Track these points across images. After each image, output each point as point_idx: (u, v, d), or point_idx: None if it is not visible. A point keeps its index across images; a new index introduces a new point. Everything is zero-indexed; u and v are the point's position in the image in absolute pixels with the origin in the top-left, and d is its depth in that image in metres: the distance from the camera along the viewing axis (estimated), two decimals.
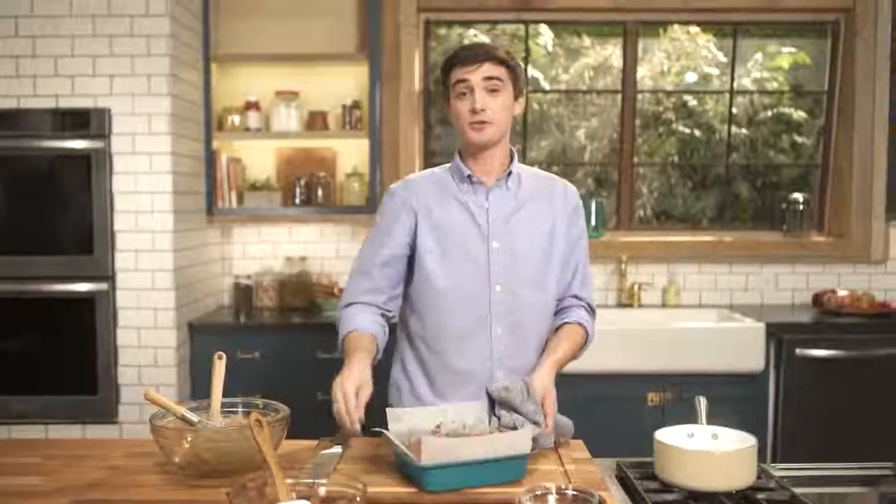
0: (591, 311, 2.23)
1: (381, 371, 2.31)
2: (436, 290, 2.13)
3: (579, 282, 2.21)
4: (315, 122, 4.10)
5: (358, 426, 1.77)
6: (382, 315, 2.16)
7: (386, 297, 2.17)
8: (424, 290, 2.15)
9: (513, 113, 2.15)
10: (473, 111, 2.07)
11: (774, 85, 4.68)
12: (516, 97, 2.15)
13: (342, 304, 2.18)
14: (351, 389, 1.79)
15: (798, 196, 4.40)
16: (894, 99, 4.22)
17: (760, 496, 1.61)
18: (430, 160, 4.37)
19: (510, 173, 2.17)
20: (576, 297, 2.21)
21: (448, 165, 2.25)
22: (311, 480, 1.46)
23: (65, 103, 3.49)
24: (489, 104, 2.07)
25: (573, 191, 2.26)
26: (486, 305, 2.11)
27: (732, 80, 4.52)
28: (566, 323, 2.16)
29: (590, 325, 2.19)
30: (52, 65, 3.48)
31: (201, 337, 3.68)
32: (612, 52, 4.57)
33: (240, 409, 1.86)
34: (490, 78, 2.06)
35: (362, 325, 2.08)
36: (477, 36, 4.59)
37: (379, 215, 2.23)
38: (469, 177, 2.16)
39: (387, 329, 2.16)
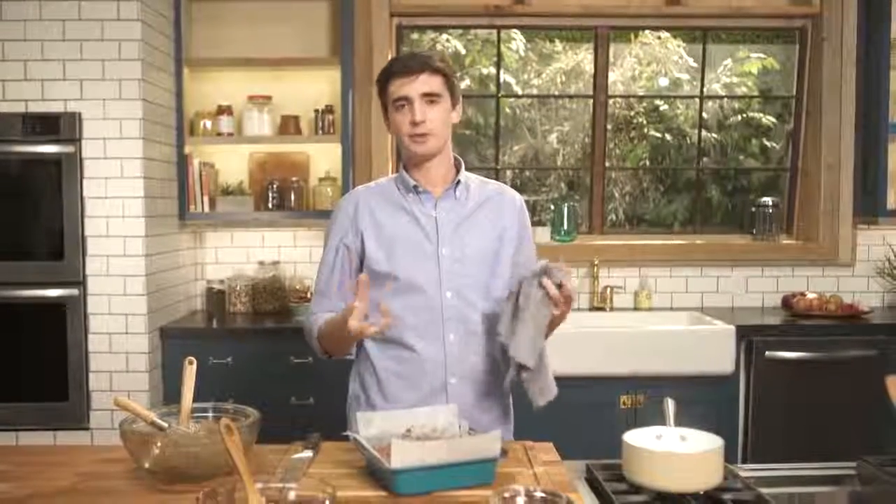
0: None
1: (340, 388, 2.34)
2: (388, 301, 2.13)
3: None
4: (287, 126, 4.10)
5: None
6: None
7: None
8: (376, 300, 2.15)
9: (451, 122, 2.19)
10: (413, 123, 2.09)
11: (744, 90, 4.73)
12: (453, 105, 2.18)
13: (308, 316, 2.27)
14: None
15: (767, 200, 4.45)
16: (860, 103, 4.28)
17: (727, 497, 1.63)
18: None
19: (458, 182, 2.20)
20: None
21: (394, 176, 2.28)
22: (282, 485, 1.46)
23: (34, 108, 3.46)
24: (428, 115, 2.10)
25: (520, 198, 2.32)
26: (438, 312, 2.13)
27: (702, 84, 4.57)
28: None
29: None
30: (22, 69, 3.45)
31: (173, 342, 3.66)
32: (584, 57, 4.60)
33: (210, 414, 1.86)
34: (428, 93, 2.09)
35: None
36: (449, 41, 4.61)
37: (328, 232, 2.27)
38: (415, 187, 2.19)
39: None
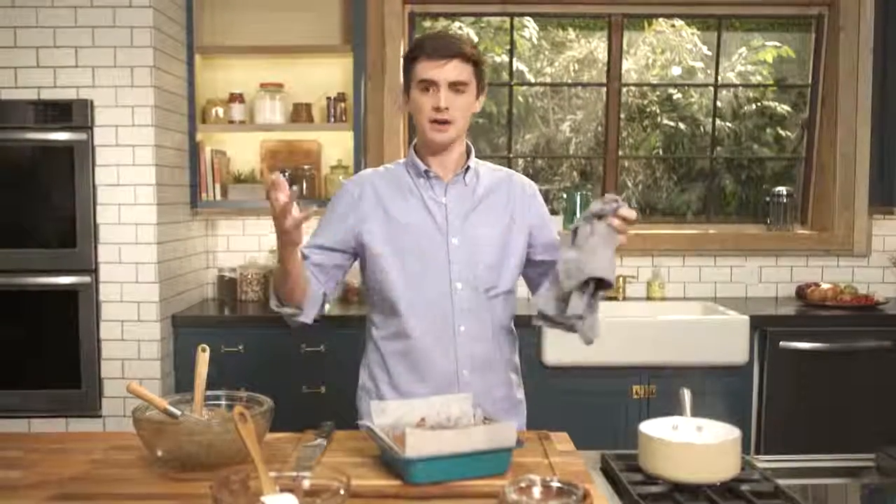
0: None
1: (352, 376, 2.32)
2: (396, 292, 2.11)
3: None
4: (299, 114, 4.08)
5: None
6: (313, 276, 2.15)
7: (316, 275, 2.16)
8: (384, 292, 2.13)
9: (474, 110, 2.14)
10: (436, 109, 2.04)
11: (758, 78, 4.69)
12: (479, 94, 2.14)
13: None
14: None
15: (782, 189, 4.42)
16: (877, 93, 4.24)
17: (744, 487, 1.62)
18: None
19: (468, 168, 2.17)
20: None
21: (402, 160, 2.24)
22: (295, 473, 1.45)
23: (47, 95, 3.45)
24: (452, 103, 2.05)
25: (530, 183, 2.28)
26: (448, 304, 2.09)
27: (717, 73, 4.53)
28: None
29: None
30: (34, 56, 3.44)
31: (185, 330, 3.66)
32: (597, 46, 4.57)
33: (223, 402, 1.85)
34: (455, 82, 2.05)
35: None
36: (462, 28, 4.58)
37: (329, 209, 2.22)
38: (426, 172, 2.15)
39: (313, 282, 2.15)
